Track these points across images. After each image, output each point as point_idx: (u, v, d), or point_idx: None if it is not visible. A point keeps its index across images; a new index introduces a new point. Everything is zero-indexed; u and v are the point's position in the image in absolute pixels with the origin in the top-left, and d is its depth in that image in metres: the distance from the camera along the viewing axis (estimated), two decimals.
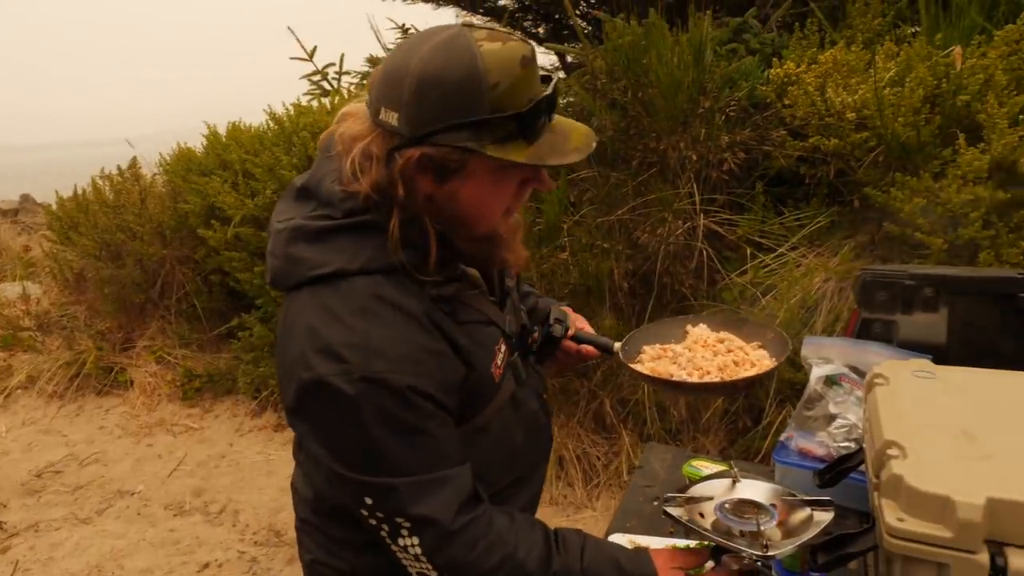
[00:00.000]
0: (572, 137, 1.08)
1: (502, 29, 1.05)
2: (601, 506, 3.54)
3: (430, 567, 1.12)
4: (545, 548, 1.17)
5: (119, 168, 5.93)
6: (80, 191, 5.98)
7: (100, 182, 5.87)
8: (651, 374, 1.29)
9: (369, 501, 1.08)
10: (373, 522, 1.11)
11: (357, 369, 1.02)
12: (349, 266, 1.07)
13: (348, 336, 1.04)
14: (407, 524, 1.09)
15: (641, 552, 1.24)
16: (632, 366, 1.36)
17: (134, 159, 5.92)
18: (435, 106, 0.99)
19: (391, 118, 1.03)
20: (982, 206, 2.79)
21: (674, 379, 1.21)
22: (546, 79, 1.07)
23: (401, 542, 1.11)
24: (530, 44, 1.05)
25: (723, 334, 1.43)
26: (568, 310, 1.55)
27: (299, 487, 1.42)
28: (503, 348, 1.24)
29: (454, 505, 1.10)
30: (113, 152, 6.10)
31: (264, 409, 4.99)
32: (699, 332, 1.44)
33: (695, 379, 1.23)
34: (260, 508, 3.96)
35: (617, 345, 1.43)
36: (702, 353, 1.33)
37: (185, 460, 4.58)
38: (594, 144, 1.10)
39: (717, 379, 1.20)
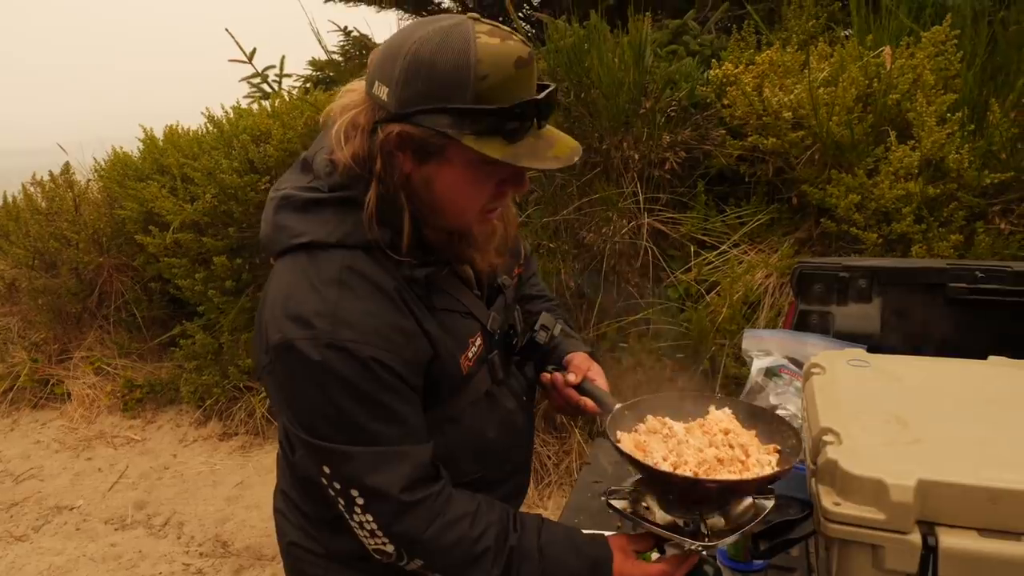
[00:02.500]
0: (556, 146, 1.08)
1: (507, 29, 1.05)
2: (553, 504, 3.55)
3: (386, 540, 1.13)
4: (502, 526, 1.18)
5: (51, 174, 5.74)
6: (10, 199, 5.77)
7: (31, 189, 5.67)
8: (625, 450, 1.18)
9: (327, 469, 1.11)
10: (332, 492, 1.13)
11: (324, 336, 1.05)
12: (328, 238, 1.11)
13: (318, 304, 1.07)
14: (360, 499, 1.10)
15: (597, 535, 1.25)
16: (614, 436, 1.24)
17: (67, 165, 5.73)
18: (422, 87, 1.01)
19: (382, 92, 1.05)
20: (913, 201, 2.88)
21: (643, 462, 1.14)
22: (544, 87, 1.07)
23: (356, 518, 1.12)
24: (531, 48, 1.06)
25: (735, 424, 1.25)
26: (586, 356, 1.46)
27: (280, 466, 1.43)
28: (479, 342, 1.24)
29: (409, 480, 1.10)
30: (45, 160, 5.91)
31: (209, 419, 4.88)
32: (716, 417, 1.27)
33: (665, 468, 1.12)
34: (206, 519, 3.86)
35: (618, 406, 1.32)
36: (697, 442, 1.19)
37: (127, 473, 4.45)
38: (576, 158, 1.10)
39: (689, 473, 1.12)
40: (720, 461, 1.14)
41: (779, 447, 1.19)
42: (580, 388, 1.38)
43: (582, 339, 1.58)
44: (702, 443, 1.18)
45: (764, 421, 1.24)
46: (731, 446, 1.18)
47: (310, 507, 1.32)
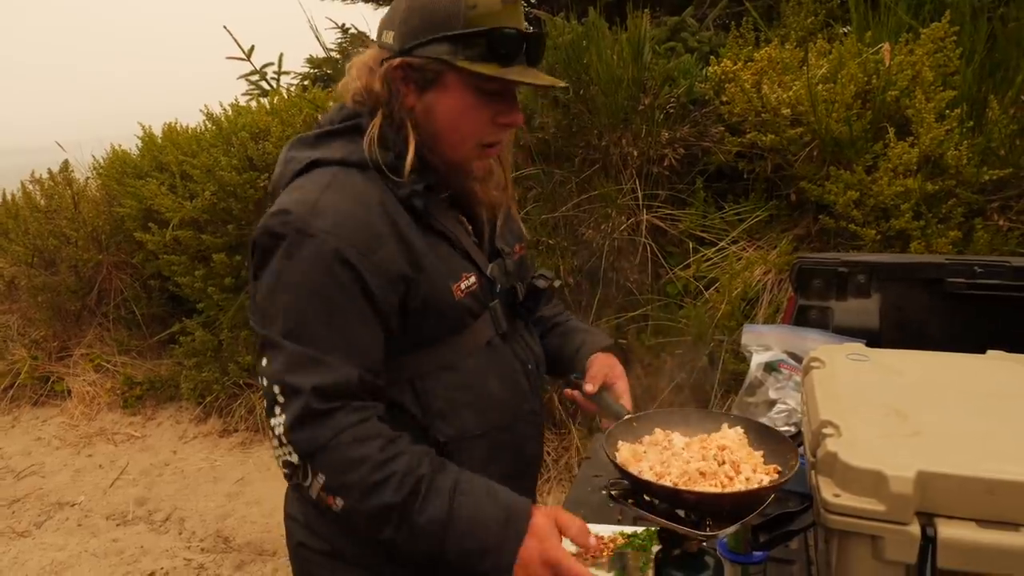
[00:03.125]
0: (542, 77, 1.19)
1: None
2: (552, 501, 3.56)
3: (290, 448, 1.09)
4: (416, 458, 1.11)
5: (50, 172, 5.74)
6: (9, 196, 5.77)
7: (31, 187, 5.68)
8: (618, 460, 1.18)
9: (263, 362, 1.12)
10: (264, 394, 1.13)
11: (296, 221, 1.10)
12: (330, 156, 1.18)
13: (300, 197, 1.14)
14: (280, 397, 1.09)
15: (522, 497, 1.16)
16: (614, 445, 1.23)
17: (66, 163, 5.74)
18: (419, 22, 1.14)
19: (388, 37, 1.18)
20: (912, 198, 2.89)
21: (631, 471, 1.14)
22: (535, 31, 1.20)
23: (272, 420, 1.11)
24: None
25: (737, 443, 1.23)
26: (606, 357, 1.45)
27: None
28: (473, 279, 1.25)
29: (330, 389, 1.09)
30: (44, 158, 5.91)
31: (209, 415, 4.89)
32: (723, 435, 1.26)
33: (649, 477, 1.12)
34: (207, 515, 3.87)
35: (627, 416, 1.31)
36: (689, 455, 1.19)
37: (127, 469, 4.46)
38: (561, 84, 1.26)
39: (668, 484, 1.12)
40: (702, 474, 1.14)
41: (779, 468, 1.17)
42: (595, 398, 1.37)
43: (601, 331, 1.57)
44: (695, 456, 1.19)
45: (774, 442, 1.23)
46: (722, 462, 1.17)
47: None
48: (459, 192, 1.26)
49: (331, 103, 1.35)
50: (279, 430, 1.10)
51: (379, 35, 1.21)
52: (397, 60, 1.15)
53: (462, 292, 1.23)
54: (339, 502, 1.09)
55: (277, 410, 1.10)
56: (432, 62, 1.14)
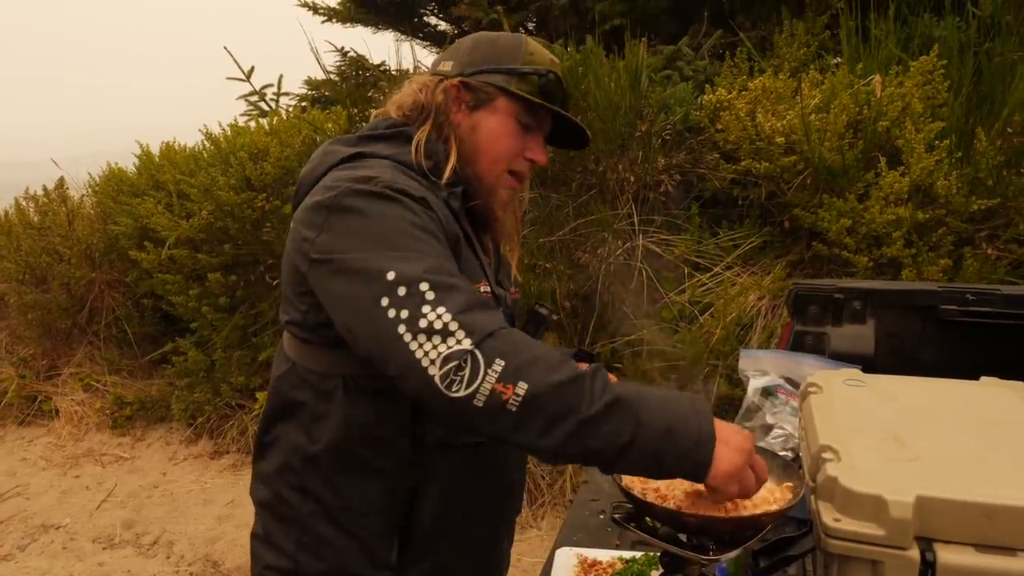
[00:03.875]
0: (575, 122, 1.35)
1: None
2: (547, 525, 3.55)
3: (463, 334, 0.99)
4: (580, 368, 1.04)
5: (44, 189, 5.74)
6: (2, 213, 5.76)
7: (24, 203, 5.67)
8: (623, 485, 1.18)
9: (391, 275, 1.03)
10: (391, 307, 1.02)
11: (381, 183, 1.13)
12: (378, 153, 1.24)
13: (374, 172, 1.16)
14: (431, 292, 1.02)
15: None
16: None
17: (61, 179, 5.74)
18: (483, 54, 1.30)
19: (447, 66, 1.32)
20: (903, 226, 2.93)
21: (633, 492, 1.15)
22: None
23: (423, 322, 1.00)
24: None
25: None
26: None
27: (258, 483, 1.36)
28: (487, 288, 1.27)
29: (472, 292, 1.08)
30: (38, 174, 5.91)
31: (199, 436, 4.86)
32: None
33: (650, 499, 1.12)
34: (196, 538, 3.83)
35: None
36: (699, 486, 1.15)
37: (115, 491, 4.41)
38: (588, 134, 1.39)
39: (672, 506, 1.13)
40: (703, 496, 1.12)
41: (793, 486, 1.18)
42: None
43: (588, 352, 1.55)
44: None
45: (779, 468, 1.24)
46: None
47: (287, 499, 1.27)
48: (484, 212, 1.31)
49: (373, 116, 1.38)
50: (441, 321, 1.00)
51: (435, 65, 1.35)
52: (456, 79, 1.29)
53: (480, 294, 1.23)
54: (520, 388, 0.97)
55: (427, 308, 1.01)
56: (489, 86, 1.28)
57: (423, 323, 1.00)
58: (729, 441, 1.04)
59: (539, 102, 1.29)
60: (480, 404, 0.98)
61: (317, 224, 1.13)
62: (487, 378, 0.98)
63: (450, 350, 0.99)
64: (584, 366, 1.02)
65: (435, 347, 0.99)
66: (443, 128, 1.28)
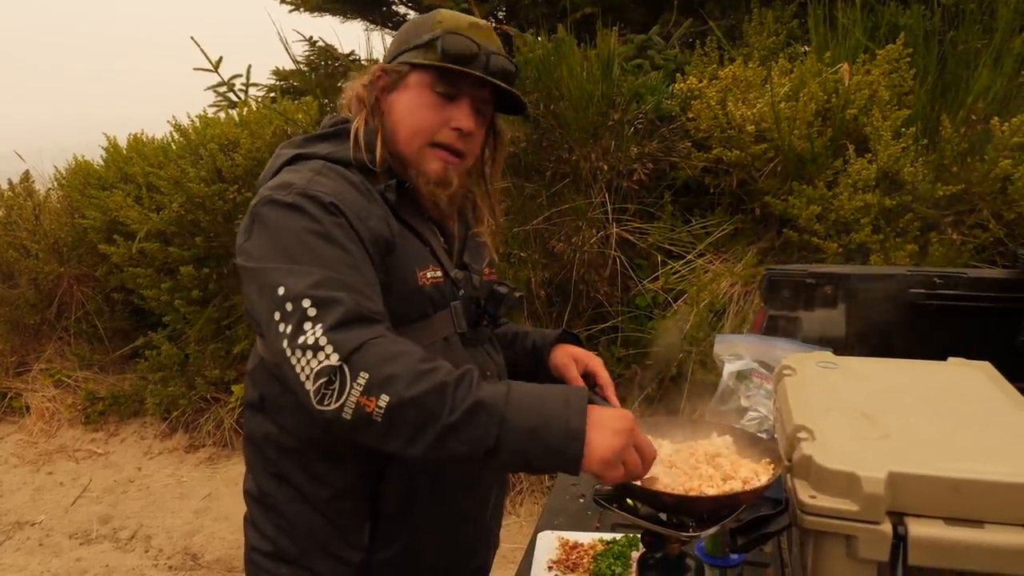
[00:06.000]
0: (499, 84, 1.30)
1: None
2: (525, 512, 3.58)
3: (330, 349, 1.03)
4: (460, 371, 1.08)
5: (10, 183, 5.63)
6: None
7: None
8: None
9: (281, 291, 1.08)
10: (280, 322, 1.07)
11: (297, 188, 1.18)
12: (315, 152, 1.28)
13: (294, 177, 1.21)
14: (312, 309, 1.06)
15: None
16: None
17: (26, 173, 5.63)
18: (402, 37, 1.35)
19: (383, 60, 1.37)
20: (871, 212, 2.99)
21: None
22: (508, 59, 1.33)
23: (301, 339, 1.04)
24: (490, 24, 1.34)
25: (726, 450, 1.27)
26: (570, 352, 1.51)
27: (246, 472, 1.41)
28: (438, 272, 1.30)
29: (364, 305, 1.09)
30: (3, 167, 5.79)
31: (175, 430, 4.82)
32: (711, 443, 1.30)
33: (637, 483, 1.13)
34: (173, 532, 3.81)
35: None
36: (682, 466, 1.22)
37: (90, 487, 4.37)
38: (517, 96, 1.35)
39: (651, 488, 1.15)
40: (692, 478, 1.18)
41: (773, 461, 1.23)
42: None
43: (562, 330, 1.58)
44: (685, 467, 1.24)
45: (760, 449, 1.29)
46: (713, 467, 1.22)
47: (266, 489, 1.33)
48: (415, 192, 1.32)
49: (300, 115, 1.41)
50: (314, 337, 1.04)
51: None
52: (378, 69, 1.33)
53: (427, 280, 1.27)
54: (383, 400, 1.01)
55: (307, 325, 1.05)
56: (400, 65, 1.31)
57: (301, 339, 1.05)
58: (605, 426, 1.06)
59: (448, 67, 1.26)
60: (348, 417, 1.02)
61: (245, 229, 1.21)
62: (352, 392, 1.02)
63: (320, 365, 1.03)
64: (457, 371, 1.05)
65: (308, 363, 1.04)
66: (373, 118, 1.32)
